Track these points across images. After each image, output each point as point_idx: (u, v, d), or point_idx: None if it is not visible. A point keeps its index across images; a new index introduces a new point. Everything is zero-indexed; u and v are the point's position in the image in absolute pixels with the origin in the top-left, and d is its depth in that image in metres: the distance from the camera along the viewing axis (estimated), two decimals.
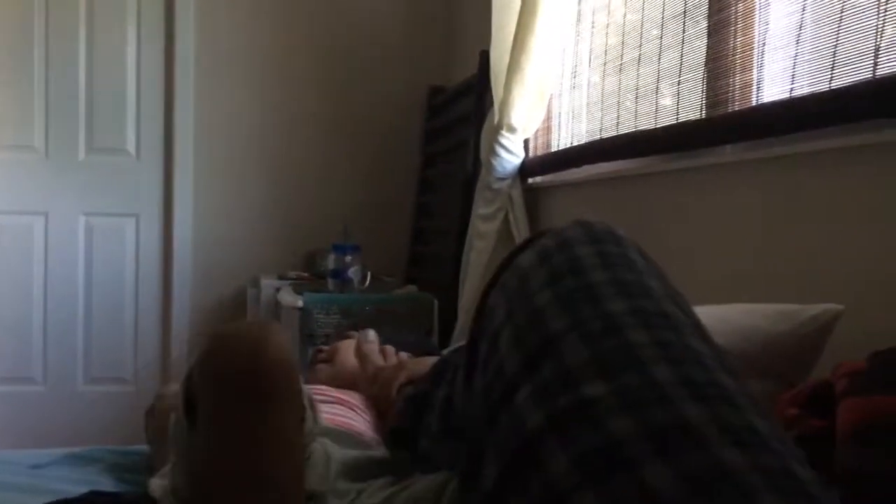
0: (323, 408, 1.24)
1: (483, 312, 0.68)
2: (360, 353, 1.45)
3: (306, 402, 0.88)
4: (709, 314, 1.15)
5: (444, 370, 0.92)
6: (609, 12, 2.09)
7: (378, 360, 1.43)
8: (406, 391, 1.07)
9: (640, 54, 1.90)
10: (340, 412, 1.25)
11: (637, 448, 0.49)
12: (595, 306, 0.58)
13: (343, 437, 1.16)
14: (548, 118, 2.40)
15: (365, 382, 1.38)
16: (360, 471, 1.08)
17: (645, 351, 0.54)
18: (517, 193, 2.35)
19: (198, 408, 0.83)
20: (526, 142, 2.37)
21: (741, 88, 1.50)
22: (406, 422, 1.01)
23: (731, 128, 1.46)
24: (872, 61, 1.16)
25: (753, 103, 1.47)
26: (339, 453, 1.10)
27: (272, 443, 0.80)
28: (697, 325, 0.60)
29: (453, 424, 0.80)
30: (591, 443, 0.50)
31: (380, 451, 1.13)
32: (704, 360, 0.55)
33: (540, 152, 2.45)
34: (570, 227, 0.67)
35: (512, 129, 2.28)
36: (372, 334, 1.51)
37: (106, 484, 1.27)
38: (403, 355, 1.47)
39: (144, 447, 1.46)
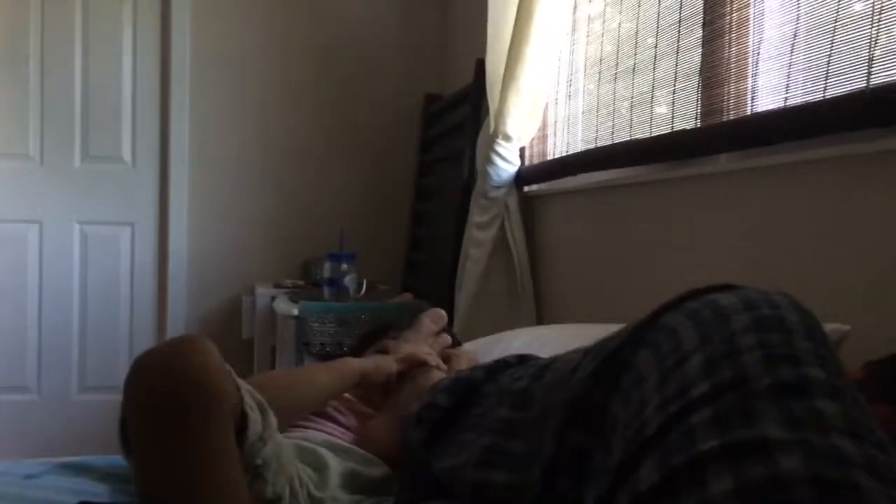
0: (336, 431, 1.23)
1: (653, 327, 0.71)
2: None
3: (249, 409, 0.88)
4: None
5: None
6: (604, 21, 2.10)
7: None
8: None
9: (635, 63, 1.90)
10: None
11: (803, 494, 0.50)
12: (795, 368, 0.60)
13: (346, 450, 1.16)
14: (543, 127, 2.40)
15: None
16: (358, 486, 1.08)
17: (832, 420, 0.56)
18: (513, 202, 2.36)
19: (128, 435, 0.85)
20: (522, 150, 2.37)
21: (736, 97, 1.51)
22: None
23: (725, 137, 1.46)
24: (866, 71, 1.16)
25: (748, 112, 1.47)
26: (342, 465, 1.10)
27: (191, 466, 0.80)
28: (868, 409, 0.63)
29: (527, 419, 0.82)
30: (758, 475, 0.52)
31: (379, 470, 1.14)
32: (881, 441, 0.57)
33: (536, 161, 2.45)
34: (775, 293, 0.69)
35: (508, 138, 2.29)
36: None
37: (100, 493, 1.26)
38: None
39: None
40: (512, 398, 0.89)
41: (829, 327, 1.05)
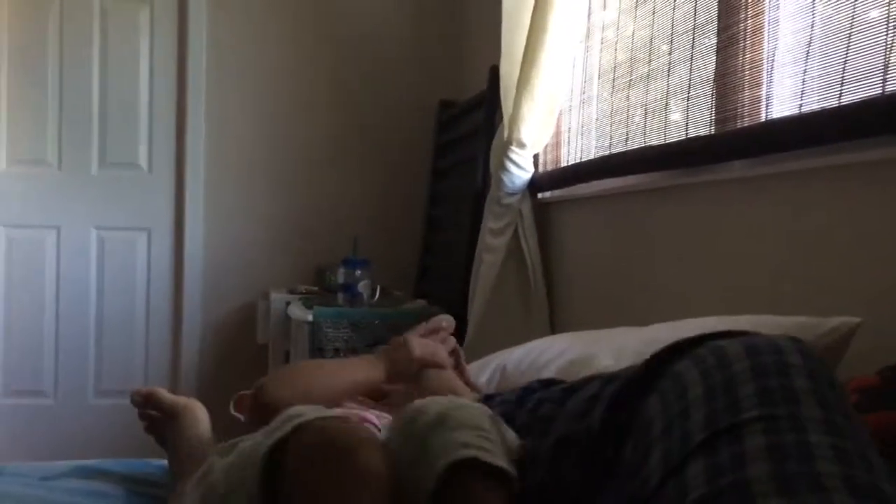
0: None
1: (658, 372, 0.74)
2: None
3: None
4: (725, 324, 1.15)
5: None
6: (619, 28, 2.10)
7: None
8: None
9: (649, 70, 1.90)
10: None
11: None
12: (790, 406, 0.62)
13: None
14: (557, 133, 2.41)
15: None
16: None
17: (828, 481, 0.56)
18: (527, 208, 2.36)
19: (281, 488, 0.85)
20: (536, 157, 2.37)
21: (750, 104, 1.51)
22: None
23: (740, 144, 1.46)
24: (882, 77, 1.16)
25: (763, 119, 1.46)
26: None
27: None
28: (884, 468, 0.63)
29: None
30: None
31: None
32: (880, 471, 0.58)
33: (549, 167, 2.45)
34: (781, 338, 0.71)
35: (522, 144, 2.29)
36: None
37: (115, 496, 1.27)
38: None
39: (154, 460, 1.47)
40: (538, 426, 0.92)
41: (839, 320, 1.06)
